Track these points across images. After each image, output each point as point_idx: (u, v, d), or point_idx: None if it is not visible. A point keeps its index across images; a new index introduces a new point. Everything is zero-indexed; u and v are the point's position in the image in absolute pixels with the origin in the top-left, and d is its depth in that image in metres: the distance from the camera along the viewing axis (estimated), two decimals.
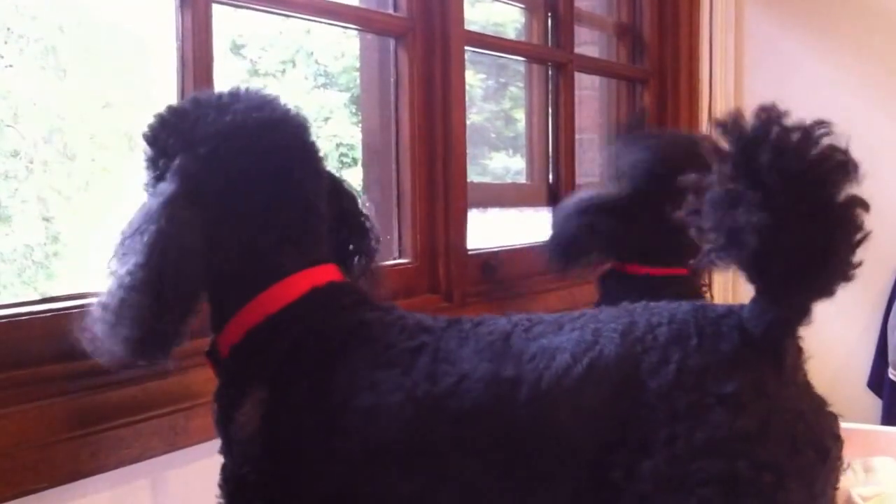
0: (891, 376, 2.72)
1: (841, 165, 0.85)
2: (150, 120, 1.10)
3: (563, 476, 0.92)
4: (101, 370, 1.17)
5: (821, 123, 0.86)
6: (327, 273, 1.09)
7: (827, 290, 0.88)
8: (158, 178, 1.07)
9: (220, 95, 1.09)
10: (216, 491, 1.04)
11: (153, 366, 1.11)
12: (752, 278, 0.91)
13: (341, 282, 1.10)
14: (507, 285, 2.13)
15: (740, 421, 0.87)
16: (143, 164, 1.10)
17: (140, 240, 0.99)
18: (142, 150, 1.11)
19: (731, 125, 0.87)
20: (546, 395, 0.92)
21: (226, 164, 1.05)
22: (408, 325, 1.03)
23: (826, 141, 0.85)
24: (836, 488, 0.97)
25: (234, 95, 1.09)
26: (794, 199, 0.84)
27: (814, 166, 0.85)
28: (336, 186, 1.17)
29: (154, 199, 1.02)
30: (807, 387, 0.95)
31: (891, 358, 2.73)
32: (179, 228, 1.00)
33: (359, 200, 1.20)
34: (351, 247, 1.19)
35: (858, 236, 0.87)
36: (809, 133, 0.85)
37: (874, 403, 2.82)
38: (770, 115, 0.86)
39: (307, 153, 1.11)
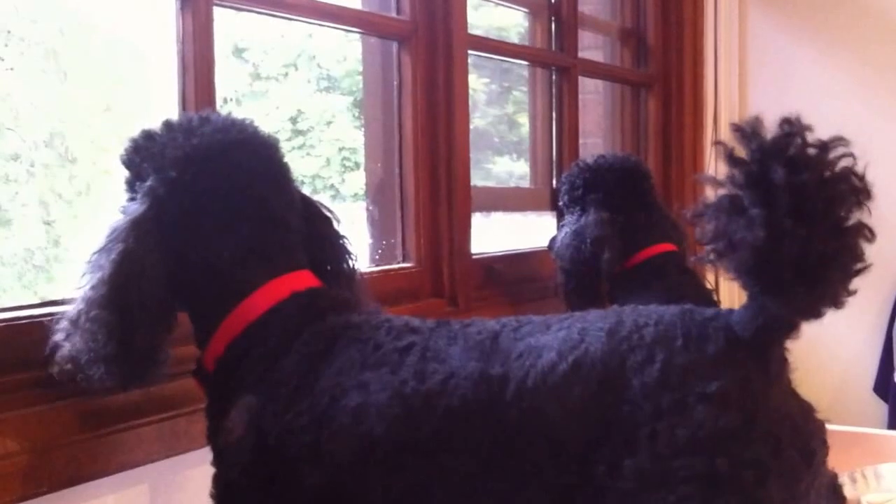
0: None
1: (854, 191, 0.85)
2: (126, 144, 1.14)
3: (552, 472, 0.93)
4: None
5: (839, 141, 0.85)
6: (305, 279, 1.11)
7: (812, 311, 0.89)
8: (133, 199, 1.11)
9: (191, 119, 1.13)
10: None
11: (139, 387, 1.13)
12: (745, 286, 0.91)
13: (321, 287, 1.12)
14: (511, 289, 2.13)
15: (723, 419, 0.88)
16: (123, 186, 1.14)
17: (106, 257, 1.03)
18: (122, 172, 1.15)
19: (751, 133, 0.86)
20: (532, 391, 0.93)
21: (192, 186, 1.08)
22: (395, 326, 1.04)
23: (844, 162, 0.85)
24: (833, 486, 0.99)
25: (204, 119, 1.13)
26: (798, 214, 0.84)
27: (826, 188, 0.85)
28: (308, 209, 1.20)
29: (122, 219, 1.06)
30: (793, 392, 0.96)
31: None
32: (144, 247, 1.04)
33: (333, 222, 1.22)
34: (328, 268, 1.20)
35: (857, 266, 0.86)
36: (827, 151, 0.85)
37: (880, 408, 2.82)
38: (792, 129, 0.85)
39: (272, 170, 1.14)
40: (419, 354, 0.99)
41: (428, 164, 1.93)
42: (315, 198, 1.24)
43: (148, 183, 1.08)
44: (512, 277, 2.14)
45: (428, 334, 1.02)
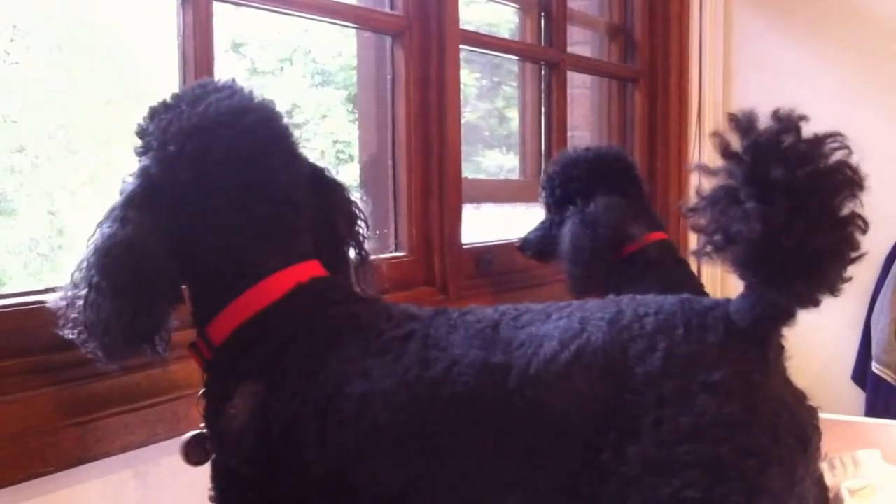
0: (874, 370, 2.75)
1: (847, 182, 0.86)
2: (144, 112, 1.10)
3: (555, 459, 0.93)
4: None
5: (833, 136, 0.87)
6: (310, 269, 1.09)
7: (811, 300, 0.90)
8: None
9: (195, 87, 1.09)
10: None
11: (148, 357, 1.10)
12: (743, 278, 0.93)
13: (325, 277, 1.10)
14: (501, 278, 2.16)
15: (726, 407, 0.88)
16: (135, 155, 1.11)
17: (101, 240, 1.01)
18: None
19: (747, 126, 0.88)
20: (535, 380, 0.93)
21: (192, 162, 1.04)
22: (394, 314, 1.04)
23: (837, 155, 0.86)
24: (817, 477, 0.98)
25: (203, 86, 1.09)
26: (795, 207, 0.85)
27: (820, 180, 0.86)
28: (319, 177, 1.16)
29: (117, 200, 1.04)
30: (788, 380, 0.97)
31: (874, 352, 2.76)
32: (135, 230, 1.01)
33: (345, 189, 1.19)
34: (341, 238, 1.18)
35: (853, 255, 0.88)
36: (820, 145, 0.86)
37: (858, 396, 2.84)
38: (785, 123, 0.87)
39: (278, 142, 1.09)
40: (420, 342, 0.99)
41: (420, 157, 1.95)
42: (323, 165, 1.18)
43: (144, 161, 1.05)
44: (501, 267, 2.16)
45: (427, 322, 1.02)
